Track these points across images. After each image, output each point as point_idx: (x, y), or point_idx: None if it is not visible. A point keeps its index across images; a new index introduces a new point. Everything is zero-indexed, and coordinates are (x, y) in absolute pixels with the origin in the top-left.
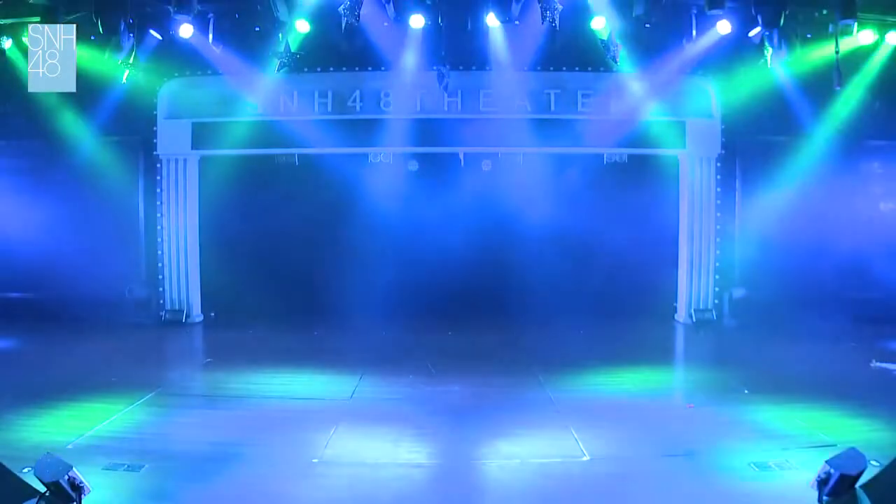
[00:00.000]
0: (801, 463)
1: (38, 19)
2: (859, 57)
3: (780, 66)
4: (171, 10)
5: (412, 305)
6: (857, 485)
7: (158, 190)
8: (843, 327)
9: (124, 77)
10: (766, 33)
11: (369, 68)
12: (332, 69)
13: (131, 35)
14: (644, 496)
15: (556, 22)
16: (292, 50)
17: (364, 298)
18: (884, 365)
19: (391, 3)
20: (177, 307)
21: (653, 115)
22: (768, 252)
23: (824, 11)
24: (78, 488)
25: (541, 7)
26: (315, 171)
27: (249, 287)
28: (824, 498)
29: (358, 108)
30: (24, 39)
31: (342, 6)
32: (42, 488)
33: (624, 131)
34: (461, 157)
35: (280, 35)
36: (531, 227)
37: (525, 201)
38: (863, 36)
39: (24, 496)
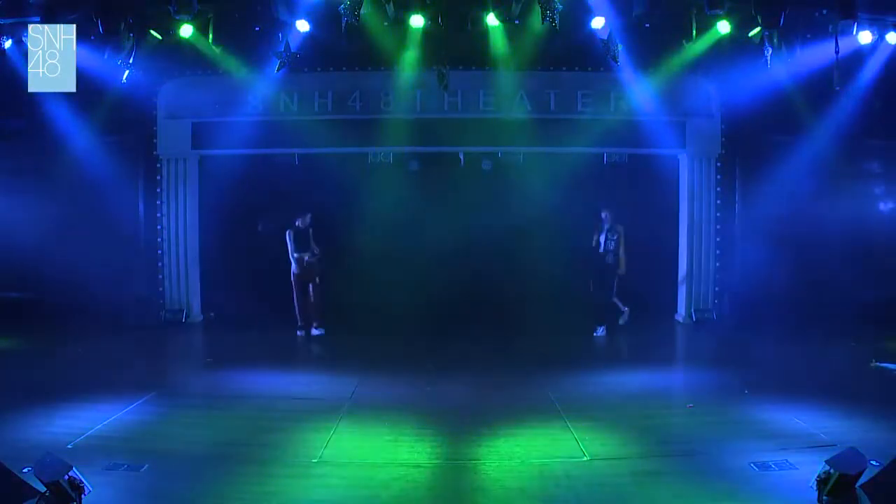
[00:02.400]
0: (801, 463)
1: (38, 19)
2: (859, 57)
3: (780, 66)
4: (171, 10)
5: (412, 305)
6: (857, 485)
7: (158, 190)
8: (843, 327)
9: (124, 77)
10: (766, 33)
11: (369, 68)
12: (332, 69)
13: (131, 35)
14: (644, 496)
15: (556, 22)
16: (292, 50)
17: (364, 298)
18: (884, 365)
19: (391, 3)
20: (177, 307)
21: (652, 114)
22: (768, 252)
23: (824, 11)
24: (78, 488)
25: (541, 7)
26: (315, 171)
27: (249, 287)
28: (824, 498)
29: (358, 108)
30: (24, 39)
31: (342, 6)
32: (42, 488)
33: (624, 131)
34: (461, 157)
35: (280, 35)
36: (531, 227)
37: (525, 201)
38: (862, 36)
39: (24, 496)
